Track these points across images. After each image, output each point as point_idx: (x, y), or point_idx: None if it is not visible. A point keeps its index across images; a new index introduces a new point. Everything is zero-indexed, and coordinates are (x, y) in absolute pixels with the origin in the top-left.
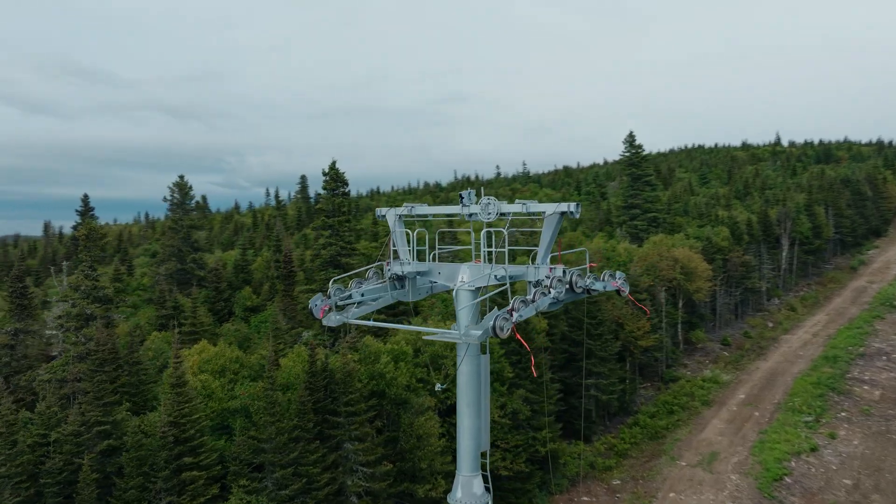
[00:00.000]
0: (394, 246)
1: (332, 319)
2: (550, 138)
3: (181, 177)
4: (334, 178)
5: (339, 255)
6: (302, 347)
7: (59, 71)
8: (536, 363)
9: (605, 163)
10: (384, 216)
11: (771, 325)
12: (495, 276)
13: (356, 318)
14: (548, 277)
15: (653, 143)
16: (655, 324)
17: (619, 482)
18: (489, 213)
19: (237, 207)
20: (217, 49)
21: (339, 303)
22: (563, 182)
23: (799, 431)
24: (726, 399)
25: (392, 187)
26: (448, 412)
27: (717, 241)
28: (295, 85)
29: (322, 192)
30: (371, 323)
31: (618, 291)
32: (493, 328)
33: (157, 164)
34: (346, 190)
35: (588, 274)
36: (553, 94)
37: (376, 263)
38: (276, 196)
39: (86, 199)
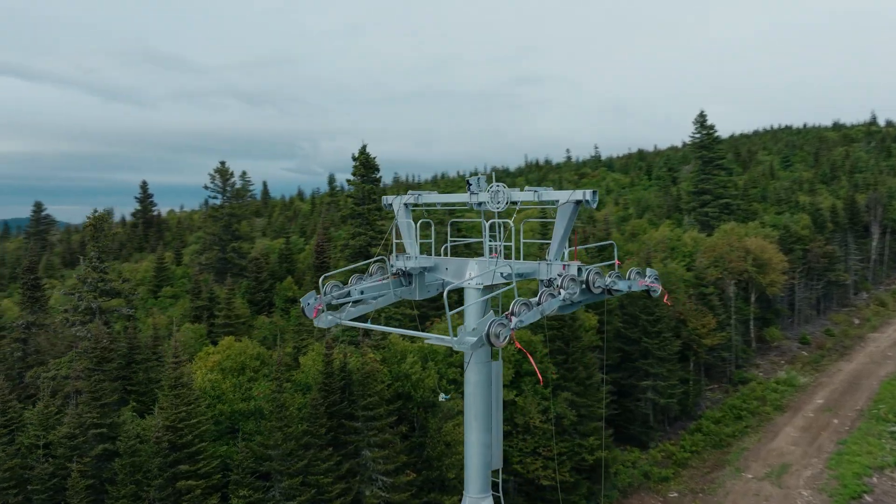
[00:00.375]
0: (398, 238)
1: (325, 320)
2: (629, 120)
3: (222, 163)
4: (364, 163)
5: (370, 245)
6: (323, 345)
7: (137, 58)
8: (585, 363)
9: (684, 145)
10: (391, 205)
11: (857, 321)
12: (501, 273)
13: (353, 319)
14: (560, 276)
15: (735, 124)
16: (723, 320)
17: (675, 495)
18: (498, 202)
19: (300, 194)
20: (289, 33)
21: (335, 301)
22: (635, 166)
23: (883, 443)
24: (802, 404)
25: (458, 172)
26: None
27: (796, 230)
28: (367, 69)
29: (351, 178)
30: (367, 325)
31: (647, 292)
32: (488, 335)
33: (230, 150)
34: (378, 176)
35: (613, 272)
36: (633, 74)
37: (377, 258)
38: (330, 182)
39: (144, 185)
